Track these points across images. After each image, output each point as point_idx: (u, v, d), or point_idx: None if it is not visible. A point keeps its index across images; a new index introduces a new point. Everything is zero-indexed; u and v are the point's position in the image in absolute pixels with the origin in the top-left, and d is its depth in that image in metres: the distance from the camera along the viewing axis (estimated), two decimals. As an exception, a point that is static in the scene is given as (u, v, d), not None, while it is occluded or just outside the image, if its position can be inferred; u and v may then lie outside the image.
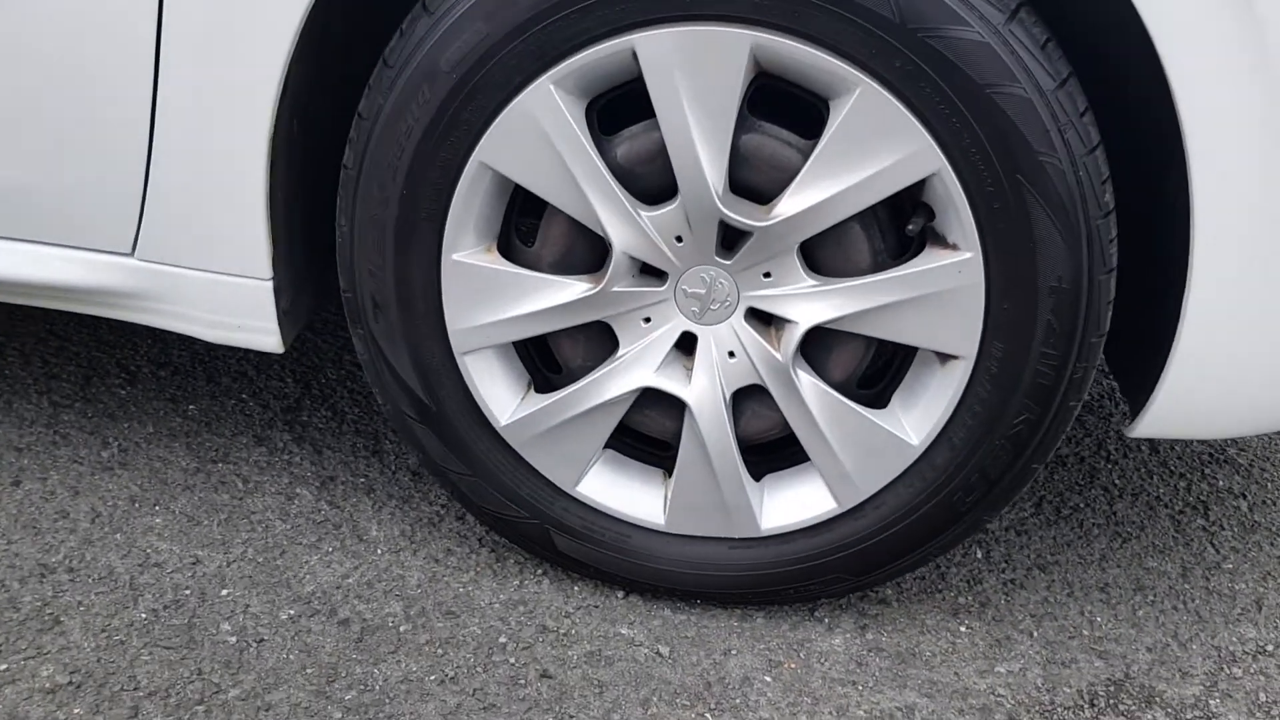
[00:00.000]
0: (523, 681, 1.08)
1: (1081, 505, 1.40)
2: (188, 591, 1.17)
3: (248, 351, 1.58)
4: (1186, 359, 1.01)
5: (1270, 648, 1.17)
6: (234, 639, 1.11)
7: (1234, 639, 1.19)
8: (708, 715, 1.06)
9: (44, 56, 1.08)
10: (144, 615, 1.13)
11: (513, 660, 1.11)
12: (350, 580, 1.20)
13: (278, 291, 1.14)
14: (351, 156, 1.07)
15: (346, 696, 1.05)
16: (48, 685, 1.04)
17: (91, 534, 1.25)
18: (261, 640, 1.11)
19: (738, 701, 1.07)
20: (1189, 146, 0.93)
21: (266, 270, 1.12)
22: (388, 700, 1.05)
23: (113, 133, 1.09)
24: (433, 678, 1.08)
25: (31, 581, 1.17)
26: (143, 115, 1.07)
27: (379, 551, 1.25)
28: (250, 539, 1.25)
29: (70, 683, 1.05)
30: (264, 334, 1.16)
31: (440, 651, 1.11)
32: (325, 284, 1.25)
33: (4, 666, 1.06)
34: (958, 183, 0.97)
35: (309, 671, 1.08)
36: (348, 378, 1.58)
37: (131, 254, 1.16)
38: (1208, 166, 0.93)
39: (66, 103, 1.09)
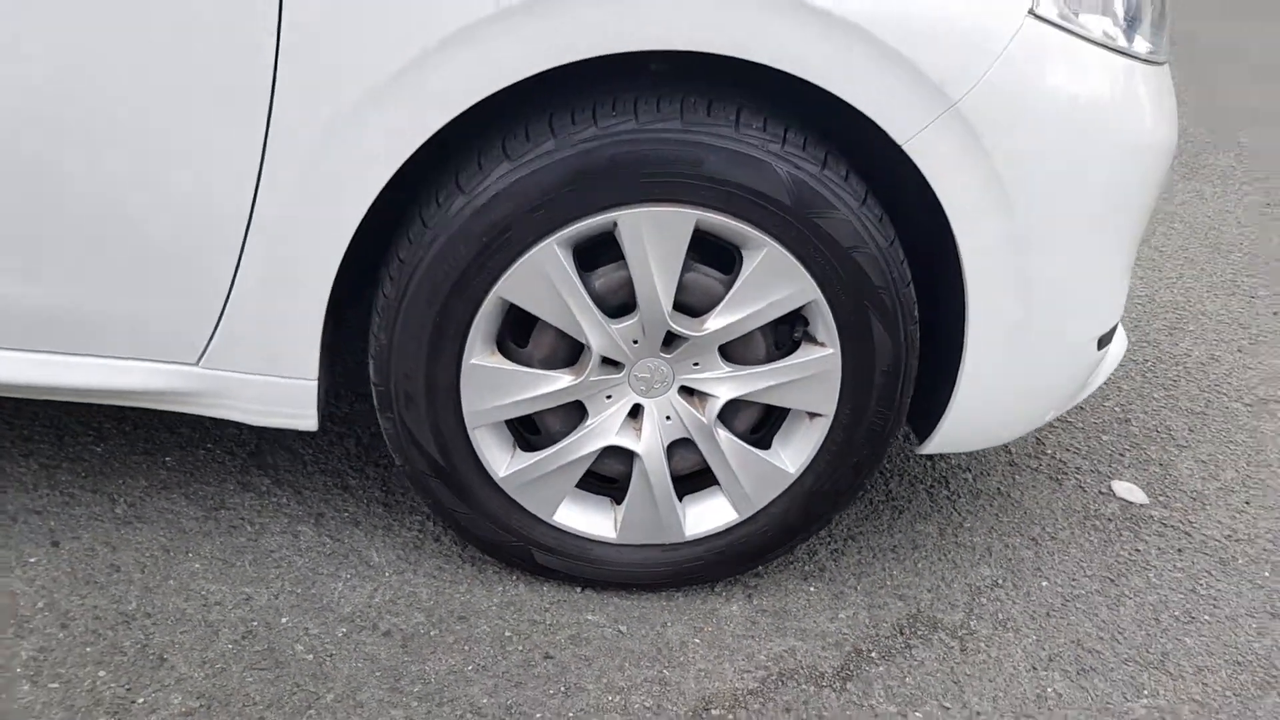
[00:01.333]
0: (533, 663, 1.50)
1: (869, 488, 1.96)
2: (255, 623, 1.49)
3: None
4: (961, 401, 1.56)
5: (1002, 580, 1.78)
6: (310, 656, 1.46)
7: (979, 577, 1.79)
8: (665, 671, 1.53)
9: (147, 189, 1.32)
10: (230, 646, 1.45)
11: (520, 648, 1.52)
12: (376, 600, 1.57)
13: (319, 386, 1.47)
14: (392, 289, 1.42)
15: (414, 689, 1.43)
16: (183, 710, 1.36)
17: (148, 583, 1.53)
18: (331, 654, 1.46)
19: (681, 659, 1.55)
20: (965, 263, 1.44)
21: (315, 373, 1.45)
22: (444, 688, 1.44)
23: (203, 262, 1.37)
24: (469, 668, 1.48)
25: (122, 628, 1.45)
26: (234, 247, 1.36)
27: (387, 574, 1.61)
28: (281, 574, 1.58)
29: (201, 706, 1.36)
30: (306, 419, 1.49)
31: (467, 647, 1.51)
32: (334, 376, 1.58)
33: (141, 700, 1.36)
34: (826, 305, 1.46)
35: (378, 674, 1.45)
36: (294, 423, 1.89)
37: (196, 364, 1.45)
38: (975, 274, 1.45)
39: (162, 236, 1.36)
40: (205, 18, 1.24)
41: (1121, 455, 2.18)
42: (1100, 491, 2.06)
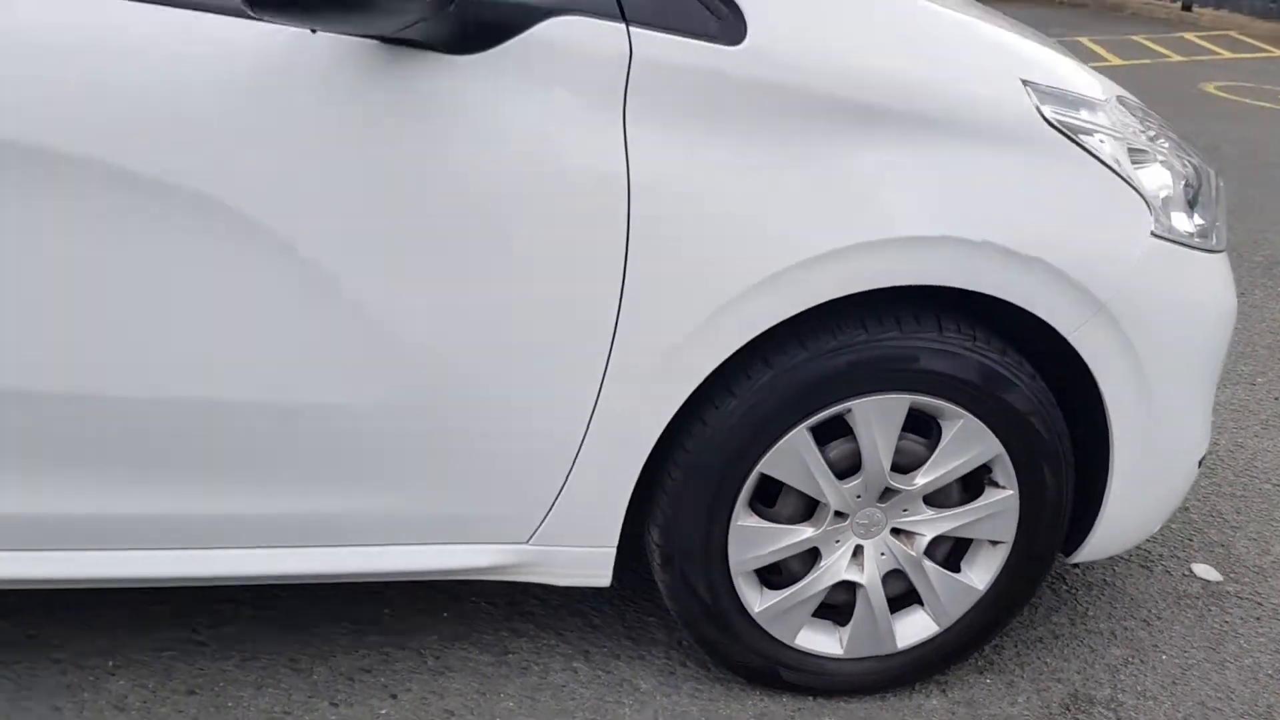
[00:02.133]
0: (798, 760, 1.88)
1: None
2: (576, 747, 1.85)
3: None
4: (1106, 519, 1.98)
5: (1131, 658, 2.19)
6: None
7: (1112, 657, 2.19)
8: (899, 757, 1.91)
9: (503, 407, 1.67)
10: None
11: (784, 749, 1.90)
12: (675, 710, 1.93)
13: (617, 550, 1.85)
14: (679, 472, 1.80)
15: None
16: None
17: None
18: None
19: (908, 746, 1.93)
20: (1110, 414, 1.87)
21: (616, 540, 1.83)
22: (740, 787, 1.81)
23: (546, 463, 1.73)
24: (752, 769, 1.85)
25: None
26: (573, 450, 1.73)
27: (658, 698, 1.98)
28: (578, 705, 1.93)
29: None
30: (603, 578, 1.86)
31: (744, 753, 1.88)
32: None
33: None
34: (1008, 458, 1.88)
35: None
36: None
37: (526, 543, 1.81)
38: (1118, 423, 1.88)
39: (514, 446, 1.72)
40: (561, 267, 1.61)
41: (1190, 540, 2.62)
42: (1183, 574, 2.49)
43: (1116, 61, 9.63)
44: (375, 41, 1.48)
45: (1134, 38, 11.06)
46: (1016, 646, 2.21)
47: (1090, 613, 2.33)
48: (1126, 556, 2.53)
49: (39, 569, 1.68)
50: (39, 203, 1.45)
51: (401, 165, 1.52)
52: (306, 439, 1.65)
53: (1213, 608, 2.37)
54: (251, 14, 1.34)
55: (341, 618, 2.08)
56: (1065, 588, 2.41)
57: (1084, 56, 9.59)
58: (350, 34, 1.45)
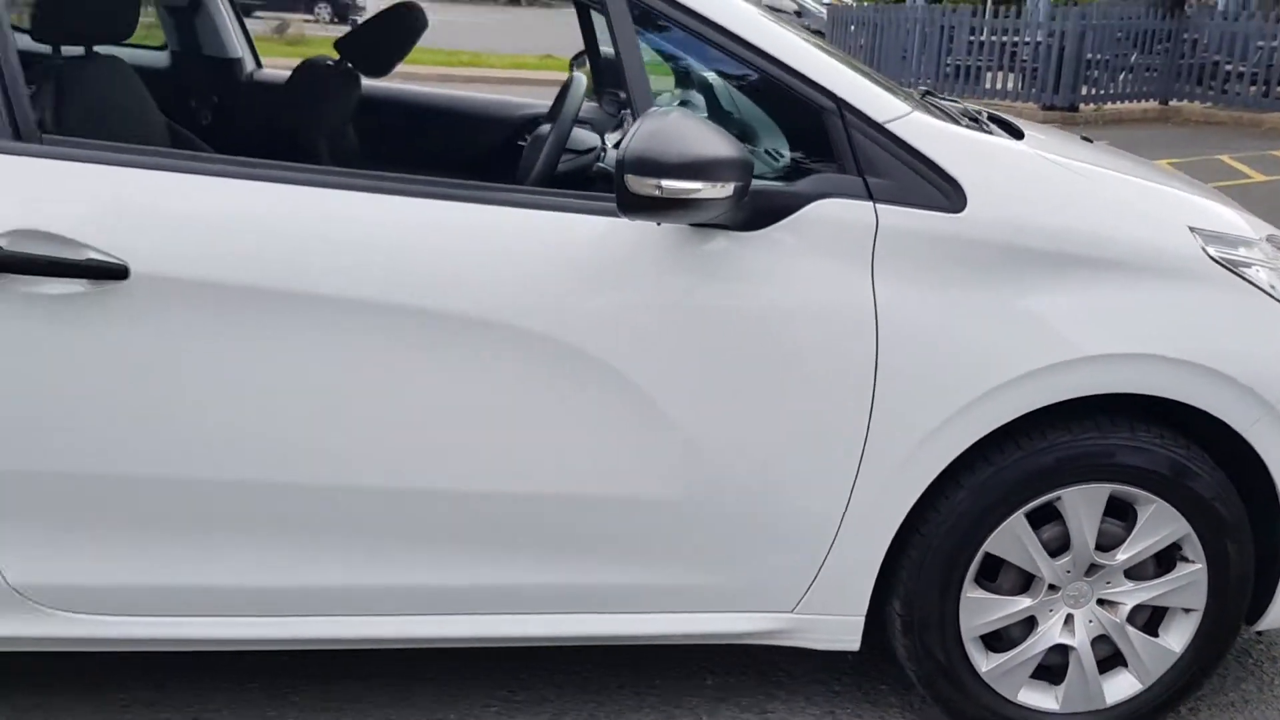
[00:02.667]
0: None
1: (1194, 661, 2.67)
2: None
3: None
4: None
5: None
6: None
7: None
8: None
9: (782, 503, 2.13)
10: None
11: (1015, 789, 2.23)
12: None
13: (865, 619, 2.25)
14: (917, 552, 2.20)
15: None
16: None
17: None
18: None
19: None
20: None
21: (864, 610, 2.23)
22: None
23: (812, 544, 2.15)
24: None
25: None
26: (833, 531, 2.15)
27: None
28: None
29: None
30: (854, 642, 2.26)
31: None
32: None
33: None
34: (1195, 537, 2.23)
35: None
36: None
37: (792, 611, 2.23)
38: None
39: (788, 531, 2.16)
40: (826, 386, 2.05)
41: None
42: (1364, 650, 2.74)
43: (1259, 178, 9.82)
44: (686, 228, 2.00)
45: (1273, 153, 11.23)
46: (1210, 710, 2.50)
47: (1276, 682, 2.61)
48: (1308, 635, 2.80)
49: (434, 630, 2.17)
50: (446, 353, 1.98)
51: (706, 312, 2.02)
52: (618, 525, 2.12)
53: (1394, 679, 2.63)
54: (622, 215, 1.87)
55: (626, 685, 2.51)
56: (1252, 660, 2.69)
57: (1227, 173, 9.82)
58: (680, 223, 1.97)
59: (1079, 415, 2.18)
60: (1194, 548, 2.24)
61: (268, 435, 1.99)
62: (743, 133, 2.27)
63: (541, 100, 3.80)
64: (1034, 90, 14.15)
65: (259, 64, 4.03)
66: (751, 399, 2.06)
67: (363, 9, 25.60)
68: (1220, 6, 15.98)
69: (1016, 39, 14.47)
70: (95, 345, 1.92)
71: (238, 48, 3.95)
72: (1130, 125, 13.75)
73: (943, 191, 2.06)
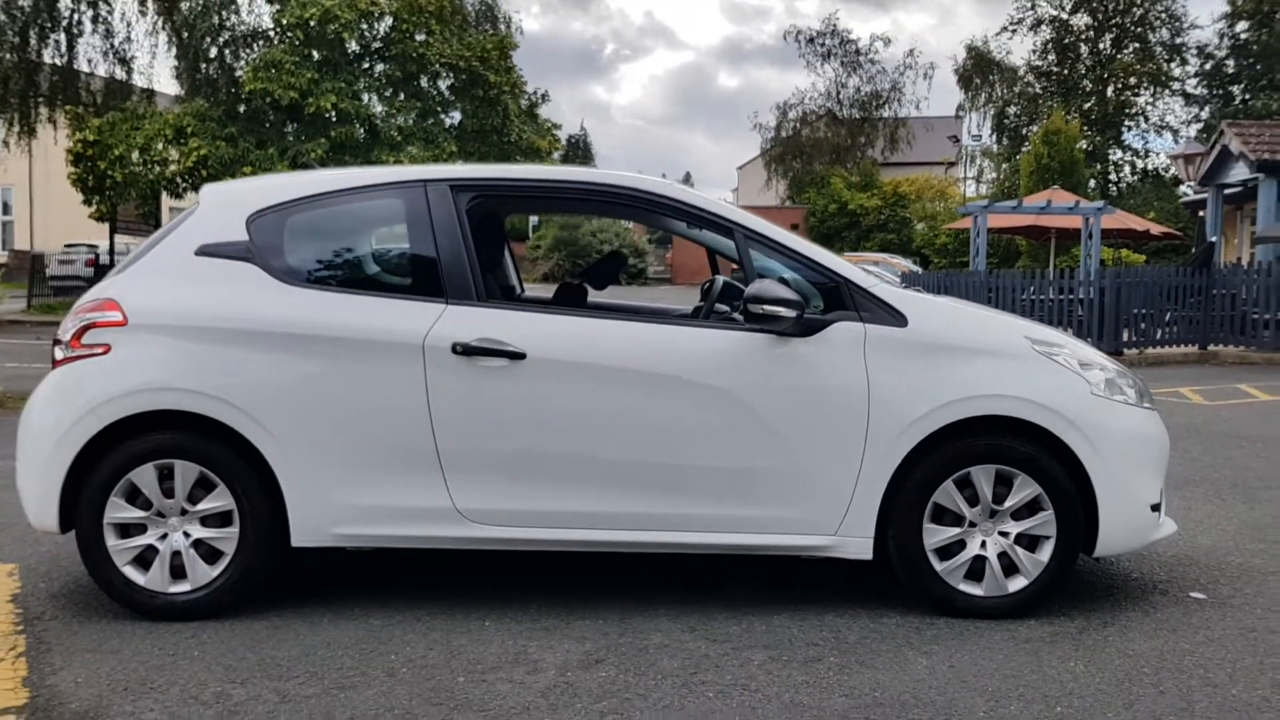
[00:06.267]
0: (964, 631, 4.21)
1: (1077, 596, 4.64)
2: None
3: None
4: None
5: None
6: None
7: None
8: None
9: (819, 467, 4.30)
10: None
11: (957, 629, 4.23)
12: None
13: (873, 540, 4.34)
14: (898, 504, 4.31)
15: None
16: None
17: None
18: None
19: (1017, 631, 4.22)
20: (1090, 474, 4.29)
21: (872, 532, 4.33)
22: (937, 635, 4.15)
23: (844, 494, 4.28)
24: (942, 632, 4.18)
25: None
26: (850, 486, 4.27)
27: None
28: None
29: (861, 638, 4.10)
30: (866, 553, 4.35)
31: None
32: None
33: None
34: (1045, 495, 4.31)
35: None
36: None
37: (834, 534, 4.34)
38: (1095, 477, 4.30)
39: (831, 485, 4.32)
40: (845, 416, 4.26)
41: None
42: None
43: (1264, 397, 11.73)
44: (774, 334, 4.30)
45: (1291, 383, 13.12)
46: (1137, 633, 4.46)
47: (1193, 610, 4.57)
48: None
49: (620, 538, 4.35)
50: (662, 394, 4.27)
51: (784, 380, 4.30)
52: (743, 482, 4.31)
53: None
54: (746, 325, 4.22)
55: (726, 609, 4.58)
56: (1171, 595, 4.65)
57: (1239, 395, 11.74)
58: (770, 331, 4.28)
59: (980, 429, 4.33)
60: (1045, 501, 4.31)
61: (589, 433, 4.28)
62: (801, 292, 4.58)
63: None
64: (1085, 339, 16.38)
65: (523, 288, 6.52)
66: (807, 424, 4.30)
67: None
68: (1247, 263, 18.25)
69: (1069, 296, 16.84)
70: (511, 392, 4.27)
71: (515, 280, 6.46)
72: (1172, 365, 15.77)
73: (896, 318, 4.34)
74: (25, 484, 4.38)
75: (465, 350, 4.25)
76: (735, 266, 4.75)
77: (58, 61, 24.72)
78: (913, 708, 3.50)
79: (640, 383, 4.28)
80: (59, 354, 4.44)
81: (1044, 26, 41.97)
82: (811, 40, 45.66)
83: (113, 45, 24.92)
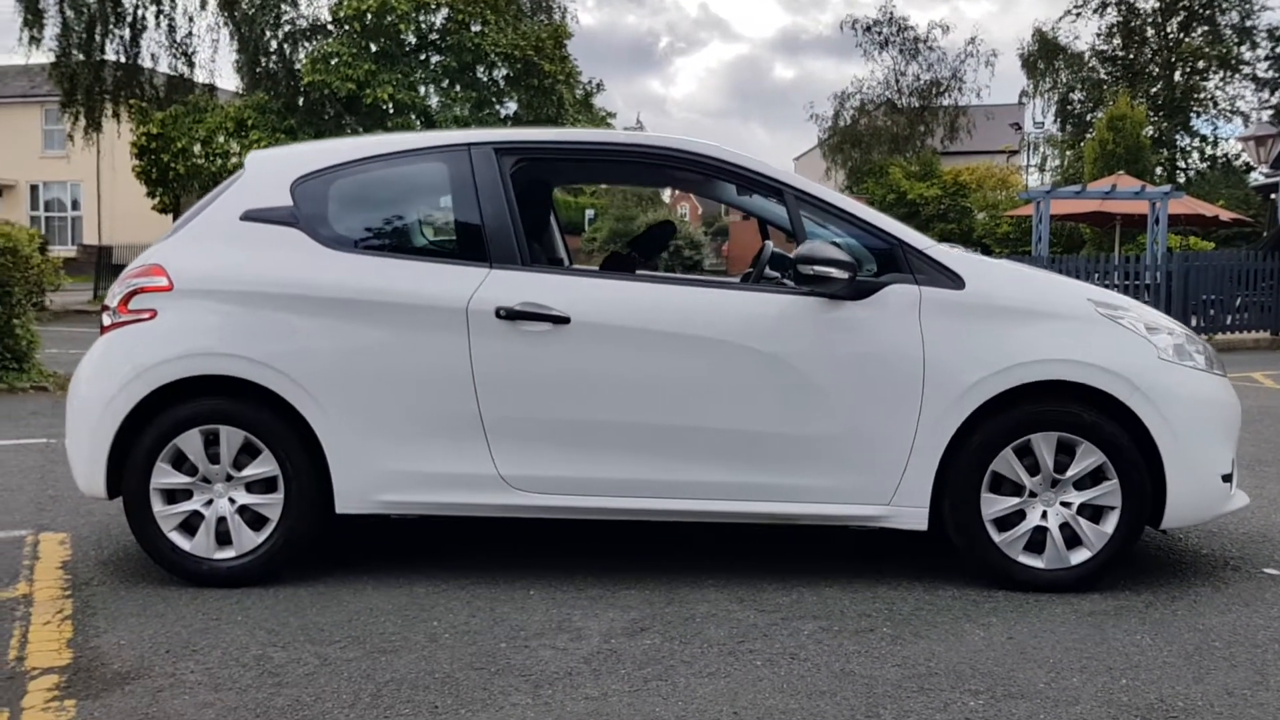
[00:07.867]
0: (1023, 604, 4.05)
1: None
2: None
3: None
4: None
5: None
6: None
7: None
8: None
9: (877, 435, 4.17)
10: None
11: (1017, 601, 4.08)
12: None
13: (929, 510, 4.19)
14: (955, 473, 4.16)
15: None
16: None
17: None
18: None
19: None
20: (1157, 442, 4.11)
21: (927, 503, 4.18)
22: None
23: (898, 464, 4.15)
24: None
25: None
26: (905, 456, 4.13)
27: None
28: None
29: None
30: (922, 524, 4.20)
31: (997, 601, 4.07)
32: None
33: (895, 608, 3.98)
34: (1109, 464, 4.14)
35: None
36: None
37: (888, 504, 4.20)
38: (1162, 445, 4.12)
39: (886, 456, 4.17)
40: (901, 382, 4.13)
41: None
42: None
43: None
44: (825, 298, 4.17)
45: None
46: (1207, 608, 4.28)
47: (1268, 588, 4.38)
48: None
49: (664, 507, 4.24)
50: (714, 357, 4.16)
51: (836, 345, 4.16)
52: (802, 449, 4.18)
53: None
54: (797, 289, 4.10)
55: (777, 578, 4.46)
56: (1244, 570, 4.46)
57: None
58: (821, 294, 4.14)
59: (1041, 394, 4.16)
60: (1110, 471, 4.14)
61: (633, 399, 4.18)
62: (855, 255, 4.43)
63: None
64: (1150, 324, 15.94)
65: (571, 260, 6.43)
66: (862, 387, 4.16)
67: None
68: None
69: (1135, 282, 16.43)
70: (555, 356, 4.18)
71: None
72: (1242, 351, 15.33)
73: (953, 280, 4.19)
74: (74, 449, 4.39)
75: (509, 314, 4.17)
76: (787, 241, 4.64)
77: (122, 58, 25.16)
78: (969, 678, 3.37)
79: (687, 347, 4.17)
80: (106, 319, 4.44)
81: (1110, 10, 41.08)
82: (869, 29, 45.15)
83: (175, 40, 25.32)
